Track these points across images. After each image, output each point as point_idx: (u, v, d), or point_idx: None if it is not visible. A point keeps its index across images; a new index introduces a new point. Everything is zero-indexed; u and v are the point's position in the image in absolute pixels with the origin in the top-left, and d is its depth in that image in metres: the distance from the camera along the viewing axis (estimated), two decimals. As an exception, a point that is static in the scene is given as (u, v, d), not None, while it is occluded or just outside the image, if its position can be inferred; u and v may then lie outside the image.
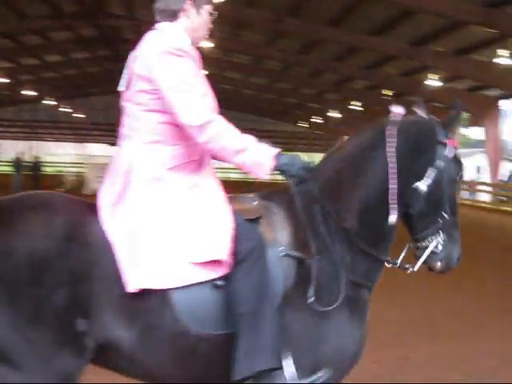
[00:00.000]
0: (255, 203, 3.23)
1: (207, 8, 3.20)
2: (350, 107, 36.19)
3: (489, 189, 32.01)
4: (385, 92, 32.53)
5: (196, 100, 2.94)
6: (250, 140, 3.00)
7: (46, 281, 2.75)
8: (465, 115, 39.52)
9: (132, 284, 2.84)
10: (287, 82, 37.67)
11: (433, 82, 25.92)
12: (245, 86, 40.86)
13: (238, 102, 42.03)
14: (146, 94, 3.00)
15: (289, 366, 2.95)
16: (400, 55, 25.41)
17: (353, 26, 23.25)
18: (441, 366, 6.26)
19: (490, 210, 27.81)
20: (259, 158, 2.98)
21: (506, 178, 32.30)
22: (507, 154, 52.42)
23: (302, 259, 3.06)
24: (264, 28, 25.97)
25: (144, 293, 2.85)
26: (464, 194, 33.48)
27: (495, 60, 22.83)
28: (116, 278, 2.84)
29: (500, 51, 22.46)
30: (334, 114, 40.11)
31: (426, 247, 3.27)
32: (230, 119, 3.05)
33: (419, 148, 3.25)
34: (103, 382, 4.04)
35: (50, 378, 2.78)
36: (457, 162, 3.35)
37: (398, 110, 3.30)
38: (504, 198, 29.98)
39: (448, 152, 3.27)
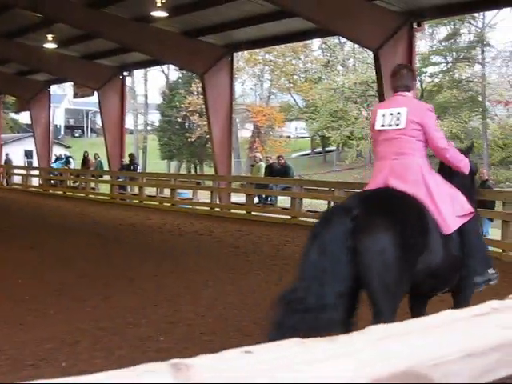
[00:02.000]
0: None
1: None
2: None
3: (38, 173, 32.33)
4: None
5: (442, 135, 5.39)
6: (459, 153, 5.49)
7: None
8: (12, 100, 39.10)
9: (448, 229, 4.97)
10: None
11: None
12: None
13: None
14: (417, 131, 5.09)
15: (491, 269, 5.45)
16: None
17: None
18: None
19: (43, 195, 28.16)
20: (466, 162, 5.49)
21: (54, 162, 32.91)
22: (57, 138, 53.30)
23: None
24: None
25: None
26: (15, 179, 33.24)
27: (43, 45, 23.13)
28: (437, 226, 4.92)
29: (47, 36, 22.84)
30: None
31: None
32: None
33: None
34: None
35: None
36: None
37: None
38: (53, 182, 30.60)
39: None
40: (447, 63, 46.89)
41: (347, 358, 0.86)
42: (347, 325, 4.24)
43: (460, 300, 5.28)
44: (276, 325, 4.32)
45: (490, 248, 10.42)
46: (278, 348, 0.89)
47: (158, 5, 18.79)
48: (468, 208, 5.18)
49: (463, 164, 5.40)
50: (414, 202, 4.84)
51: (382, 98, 16.97)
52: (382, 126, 5.13)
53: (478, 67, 46.21)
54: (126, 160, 26.61)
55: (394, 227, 4.51)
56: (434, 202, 4.92)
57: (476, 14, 42.44)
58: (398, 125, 5.05)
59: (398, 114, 5.06)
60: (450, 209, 5.01)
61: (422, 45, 47.39)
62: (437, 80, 47.01)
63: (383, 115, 5.14)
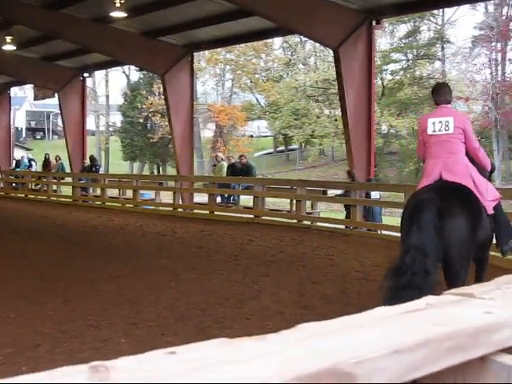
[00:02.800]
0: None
1: None
2: None
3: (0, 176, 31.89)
4: None
5: (476, 138, 6.88)
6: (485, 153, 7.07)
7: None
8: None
9: (490, 210, 6.45)
10: None
11: None
12: None
13: None
14: (461, 135, 6.53)
15: None
16: None
17: None
18: None
19: (5, 198, 27.80)
20: (489, 161, 6.99)
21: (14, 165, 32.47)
22: (18, 140, 52.56)
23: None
24: None
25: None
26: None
27: (2, 47, 22.84)
28: (484, 208, 6.39)
29: (6, 38, 22.57)
30: None
31: None
32: None
33: None
34: None
35: None
36: None
37: None
38: (15, 185, 30.21)
39: None
40: (408, 60, 47.33)
41: (272, 356, 0.86)
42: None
43: (483, 267, 6.76)
44: (390, 288, 5.79)
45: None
46: (202, 348, 0.89)
47: (117, 5, 18.66)
48: (497, 193, 6.78)
49: (487, 162, 6.98)
50: (469, 191, 6.38)
51: (342, 96, 17.08)
52: (434, 131, 6.60)
53: (438, 64, 46.74)
54: (88, 162, 26.37)
55: (464, 212, 6.22)
56: (478, 190, 6.41)
57: (435, 11, 42.90)
58: (447, 130, 6.54)
59: (447, 122, 6.55)
60: (488, 194, 6.51)
61: (382, 42, 47.83)
62: (398, 77, 47.42)
63: (433, 123, 6.62)
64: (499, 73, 42.86)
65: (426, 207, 6.04)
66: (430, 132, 6.62)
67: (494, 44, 42.01)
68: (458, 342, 1.10)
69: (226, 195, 19.63)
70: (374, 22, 17.37)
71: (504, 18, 41.69)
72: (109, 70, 50.71)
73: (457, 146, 6.56)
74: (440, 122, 6.55)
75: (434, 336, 1.04)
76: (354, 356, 0.88)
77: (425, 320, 1.12)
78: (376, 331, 1.02)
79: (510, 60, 43.17)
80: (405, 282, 5.64)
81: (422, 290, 5.24)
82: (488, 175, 7.07)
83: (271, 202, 22.32)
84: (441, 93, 6.86)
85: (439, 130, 6.54)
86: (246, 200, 20.73)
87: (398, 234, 13.42)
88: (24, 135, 65.44)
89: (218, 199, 19.76)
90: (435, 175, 6.51)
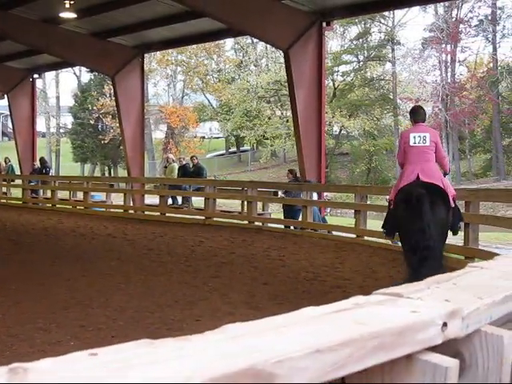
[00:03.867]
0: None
1: None
2: None
3: None
4: None
5: (443, 150, 9.51)
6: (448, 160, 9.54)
7: None
8: None
9: (452, 204, 8.30)
10: None
11: None
12: None
13: None
14: (433, 147, 8.31)
15: None
16: None
17: None
18: None
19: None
20: (449, 167, 9.28)
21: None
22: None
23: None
24: None
25: None
26: None
27: None
28: (449, 201, 8.26)
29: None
30: None
31: None
32: None
33: None
34: None
35: None
36: None
37: None
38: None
39: None
40: (359, 62, 47.85)
41: (192, 357, 0.87)
42: None
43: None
44: (411, 266, 7.94)
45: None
46: (124, 349, 0.89)
47: (67, 6, 18.44)
48: (454, 191, 8.57)
49: (448, 167, 9.20)
50: (442, 189, 8.20)
51: (293, 98, 17.17)
52: (414, 143, 8.41)
53: (388, 65, 47.35)
54: (38, 164, 25.98)
55: (444, 204, 8.14)
56: (445, 189, 8.25)
57: (386, 13, 43.49)
58: (424, 143, 8.41)
59: (424, 136, 8.41)
60: (450, 192, 8.30)
61: (333, 44, 48.30)
62: (349, 79, 47.90)
63: (414, 137, 8.44)
64: (449, 74, 43.61)
65: (425, 199, 7.89)
66: (411, 144, 8.42)
67: (443, 46, 42.74)
68: (383, 341, 1.12)
69: (177, 197, 19.59)
70: (324, 24, 17.52)
71: (454, 20, 42.47)
72: (59, 71, 50.08)
73: (431, 156, 8.41)
74: (419, 136, 8.42)
75: (357, 335, 1.05)
76: (274, 356, 0.89)
77: (350, 319, 1.14)
78: (299, 331, 1.03)
79: (459, 62, 43.99)
80: (420, 256, 7.66)
81: (435, 259, 7.76)
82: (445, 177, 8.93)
83: (222, 203, 22.32)
84: (418, 113, 8.81)
85: (418, 143, 8.40)
86: (198, 202, 20.69)
87: (349, 235, 13.56)
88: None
89: (169, 201, 19.68)
90: (414, 176, 8.23)
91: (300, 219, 15.43)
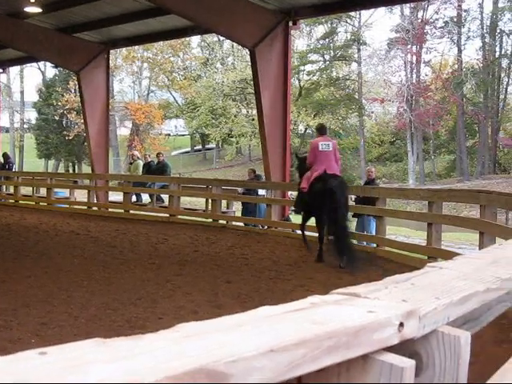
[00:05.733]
0: None
1: None
2: None
3: None
4: None
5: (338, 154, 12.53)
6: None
7: None
8: None
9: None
10: None
11: None
12: None
13: None
14: (334, 152, 11.73)
15: None
16: None
17: None
18: None
19: None
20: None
21: None
22: None
23: None
24: None
25: None
26: None
27: None
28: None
29: None
30: None
31: None
32: None
33: None
34: None
35: None
36: None
37: None
38: None
39: None
40: (325, 61, 48.06)
41: (144, 355, 0.86)
42: None
43: None
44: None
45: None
46: (75, 348, 0.88)
47: (32, 0, 18.19)
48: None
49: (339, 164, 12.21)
50: (341, 176, 11.74)
51: (258, 96, 17.17)
52: (322, 148, 11.48)
53: (354, 65, 47.66)
54: (1, 159, 25.58)
55: (344, 184, 11.55)
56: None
57: (352, 14, 43.73)
58: (328, 148, 11.53)
59: (328, 144, 11.62)
60: None
61: (299, 43, 48.46)
62: (314, 78, 48.09)
63: (322, 144, 11.54)
64: (414, 75, 44.03)
65: (334, 183, 11.04)
66: (320, 149, 11.53)
67: (409, 47, 43.13)
68: (339, 341, 1.12)
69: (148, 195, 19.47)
70: (290, 23, 17.53)
71: (419, 21, 42.88)
72: (24, 66, 49.42)
73: (333, 157, 11.60)
74: (326, 144, 11.61)
75: (313, 335, 1.05)
76: (227, 355, 0.88)
77: (306, 319, 1.14)
78: (254, 330, 1.03)
79: (424, 63, 44.45)
80: (332, 212, 10.90)
81: (343, 215, 11.21)
82: None
83: (187, 201, 22.24)
84: (324, 129, 12.33)
85: (325, 149, 11.53)
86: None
87: (314, 234, 13.94)
88: None
89: (134, 198, 19.54)
90: (322, 170, 11.24)
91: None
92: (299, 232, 14.73)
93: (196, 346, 0.90)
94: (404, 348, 1.37)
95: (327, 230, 11.24)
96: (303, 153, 18.24)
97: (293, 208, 13.78)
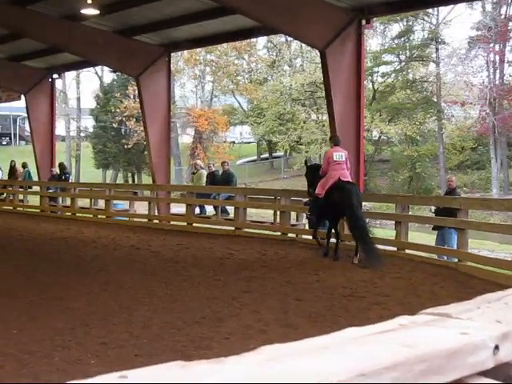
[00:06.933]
0: None
1: None
2: None
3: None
4: None
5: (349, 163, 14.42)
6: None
7: None
8: None
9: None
10: None
11: None
12: None
13: None
14: (346, 161, 13.54)
15: None
16: None
17: None
18: None
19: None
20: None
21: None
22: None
23: None
24: None
25: None
26: None
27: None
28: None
29: None
30: None
31: None
32: None
33: None
34: None
35: None
36: None
37: None
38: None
39: None
40: (400, 62, 47.56)
41: (228, 380, 0.87)
42: None
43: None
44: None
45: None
46: (156, 371, 0.90)
47: (89, 2, 18.64)
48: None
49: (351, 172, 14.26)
50: (355, 185, 13.78)
51: (329, 100, 17.13)
52: (336, 158, 13.21)
53: (432, 66, 46.98)
54: (57, 169, 26.21)
55: (357, 188, 13.73)
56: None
57: (430, 11, 43.15)
58: (341, 158, 13.28)
59: (341, 154, 13.34)
60: None
61: (373, 43, 48.12)
62: (389, 80, 47.64)
63: (336, 155, 13.27)
64: (497, 76, 43.16)
65: (352, 189, 12.97)
66: (335, 159, 13.26)
67: (491, 45, 42.30)
68: (431, 365, 1.12)
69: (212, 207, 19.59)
70: (363, 22, 17.44)
71: (502, 17, 42.03)
72: (80, 71, 50.59)
73: (346, 166, 13.43)
74: (339, 154, 13.36)
75: (404, 358, 1.06)
76: (315, 380, 0.90)
77: (396, 341, 1.14)
78: (342, 353, 1.04)
79: (508, 62, 43.51)
80: (349, 213, 12.91)
81: (358, 215, 12.85)
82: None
83: (254, 213, 22.33)
84: (337, 140, 13.95)
85: (338, 159, 13.28)
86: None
87: (389, 248, 13.94)
88: (-12, 141, 65.09)
89: (197, 210, 19.72)
90: (337, 178, 13.08)
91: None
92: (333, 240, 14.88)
93: (281, 369, 0.92)
94: (498, 372, 1.36)
95: (352, 233, 13.23)
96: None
97: (308, 213, 15.93)
